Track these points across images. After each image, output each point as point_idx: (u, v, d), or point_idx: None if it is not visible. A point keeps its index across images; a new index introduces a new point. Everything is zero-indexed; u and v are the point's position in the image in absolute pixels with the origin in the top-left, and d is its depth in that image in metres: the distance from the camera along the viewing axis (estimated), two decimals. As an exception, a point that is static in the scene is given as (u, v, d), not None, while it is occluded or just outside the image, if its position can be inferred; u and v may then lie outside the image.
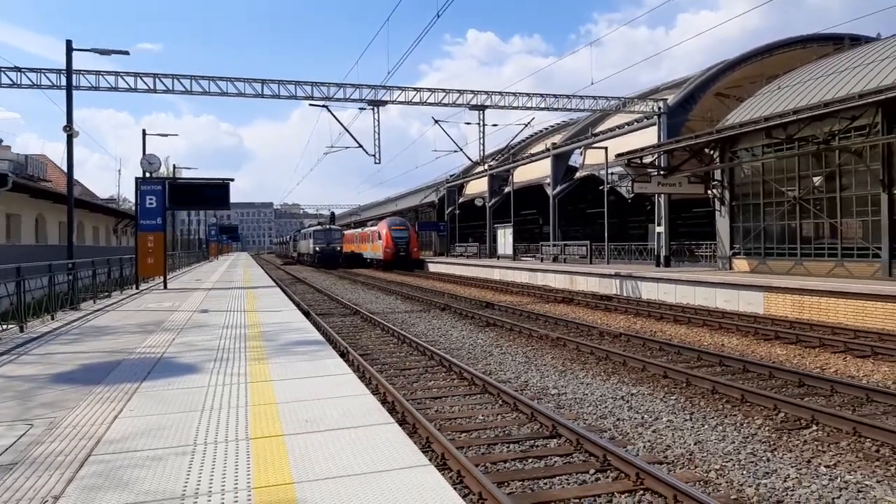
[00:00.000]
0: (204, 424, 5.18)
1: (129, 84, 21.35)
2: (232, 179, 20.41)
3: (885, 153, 17.95)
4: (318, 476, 3.96)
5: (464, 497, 5.52)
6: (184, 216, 76.84)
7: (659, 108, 28.36)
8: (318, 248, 55.59)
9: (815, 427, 7.29)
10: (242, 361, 7.81)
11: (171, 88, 21.89)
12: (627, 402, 8.69)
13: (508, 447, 6.89)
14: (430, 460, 6.34)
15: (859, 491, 5.56)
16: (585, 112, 30.93)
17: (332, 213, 76.79)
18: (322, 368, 7.34)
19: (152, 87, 21.71)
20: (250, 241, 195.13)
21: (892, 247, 17.95)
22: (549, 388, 9.58)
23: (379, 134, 24.85)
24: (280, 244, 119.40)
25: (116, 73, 21.45)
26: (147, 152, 30.94)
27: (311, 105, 22.84)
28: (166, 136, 33.71)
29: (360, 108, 24.65)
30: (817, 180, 20.49)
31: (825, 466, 6.14)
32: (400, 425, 7.58)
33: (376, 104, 23.98)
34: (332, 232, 57.68)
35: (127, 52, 18.53)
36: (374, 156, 24.65)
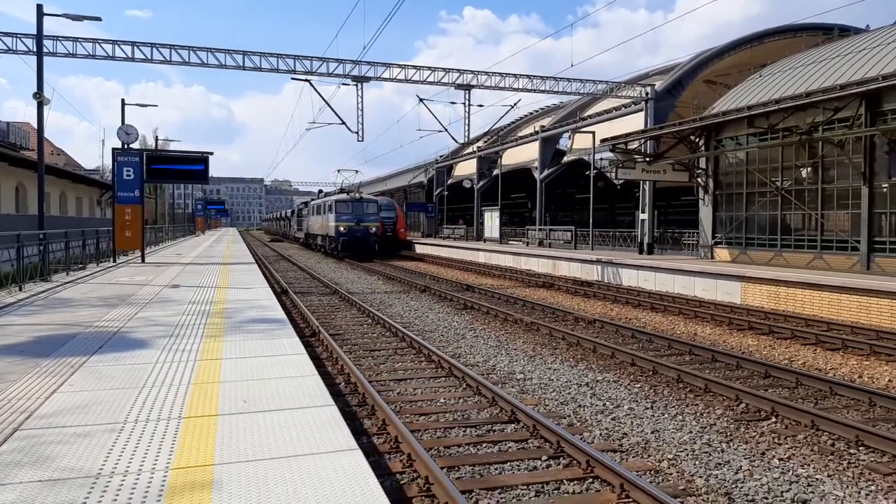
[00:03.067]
0: (140, 402, 5.04)
1: (106, 52, 20.88)
2: (211, 153, 20.14)
3: (868, 146, 17.88)
4: (240, 458, 3.84)
5: (411, 481, 5.46)
6: (172, 189, 76.24)
7: (647, 94, 28.16)
8: (342, 229, 34.98)
9: (774, 419, 7.24)
10: (197, 338, 7.66)
11: (149, 57, 21.45)
12: (592, 388, 8.62)
13: (465, 431, 6.80)
14: (382, 443, 6.32)
15: (809, 485, 5.50)
16: (574, 95, 30.63)
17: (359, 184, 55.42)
18: (276, 348, 7.20)
19: (130, 56, 21.26)
20: (240, 217, 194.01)
21: (871, 240, 17.95)
22: (515, 373, 9.50)
23: (362, 110, 24.52)
24: (272, 220, 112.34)
25: (94, 40, 20.97)
26: (134, 123, 30.48)
27: (293, 79, 22.52)
28: (145, 106, 33.08)
29: (341, 84, 24.27)
30: (804, 171, 20.43)
31: (779, 459, 6.09)
32: (358, 407, 7.57)
33: (359, 80, 23.62)
34: (366, 205, 36.69)
35: (99, 18, 18.13)
36: (356, 133, 24.35)
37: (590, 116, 35.15)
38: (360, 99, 24.19)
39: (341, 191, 40.91)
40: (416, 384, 8.71)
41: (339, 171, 43.91)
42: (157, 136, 65.29)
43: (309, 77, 22.73)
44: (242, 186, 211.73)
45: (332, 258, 36.77)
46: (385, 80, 24.45)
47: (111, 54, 20.96)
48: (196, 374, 5.91)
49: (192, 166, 20.24)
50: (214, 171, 24.04)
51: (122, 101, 28.19)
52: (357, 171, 44.36)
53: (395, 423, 6.54)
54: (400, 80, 24.50)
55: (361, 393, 7.98)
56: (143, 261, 21.35)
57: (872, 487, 5.46)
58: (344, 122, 24.32)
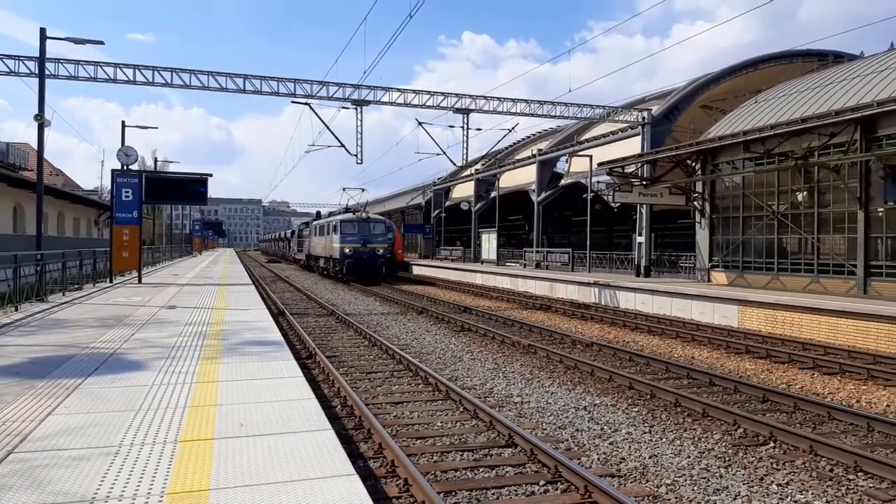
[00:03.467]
0: (136, 425, 5.02)
1: (108, 74, 21.04)
2: (210, 175, 20.23)
3: (863, 170, 18.02)
4: (236, 483, 3.82)
5: (408, 507, 5.41)
6: (170, 210, 76.36)
7: (643, 119, 28.40)
8: (347, 251, 32.44)
9: (772, 444, 7.21)
10: (194, 360, 7.63)
11: (151, 80, 21.62)
12: (589, 412, 8.59)
13: (462, 455, 6.76)
14: (379, 467, 6.27)
15: (808, 511, 5.47)
16: (571, 120, 30.88)
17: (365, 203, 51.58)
18: (273, 370, 7.18)
19: (132, 79, 21.42)
20: (237, 238, 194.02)
21: (868, 264, 18.01)
22: (513, 396, 9.46)
23: (361, 133, 24.68)
24: (270, 241, 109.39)
25: (96, 63, 21.14)
26: (134, 145, 30.66)
27: (293, 102, 22.68)
28: (146, 128, 33.18)
29: (341, 108, 24.46)
30: (800, 196, 20.55)
31: (777, 485, 6.06)
32: (355, 430, 7.53)
33: (359, 104, 23.80)
34: (373, 225, 34.06)
35: (102, 42, 18.28)
36: (356, 155, 24.48)
37: (587, 140, 35.39)
38: (359, 122, 24.36)
39: (346, 210, 36.74)
40: (413, 407, 8.66)
41: (343, 189, 38.64)
42: (156, 158, 65.59)
43: (309, 100, 22.91)
44: (240, 207, 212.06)
45: (332, 280, 35.37)
46: (384, 103, 24.65)
47: (113, 77, 21.12)
48: (192, 397, 5.89)
49: (191, 187, 20.32)
50: (213, 192, 24.20)
51: (123, 123, 28.34)
52: (363, 190, 39.33)
53: (392, 446, 6.49)
54: (399, 104, 24.69)
55: (358, 416, 7.93)
56: (139, 281, 21.31)
57: (872, 514, 5.43)
58: (343, 145, 24.47)
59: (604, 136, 33.03)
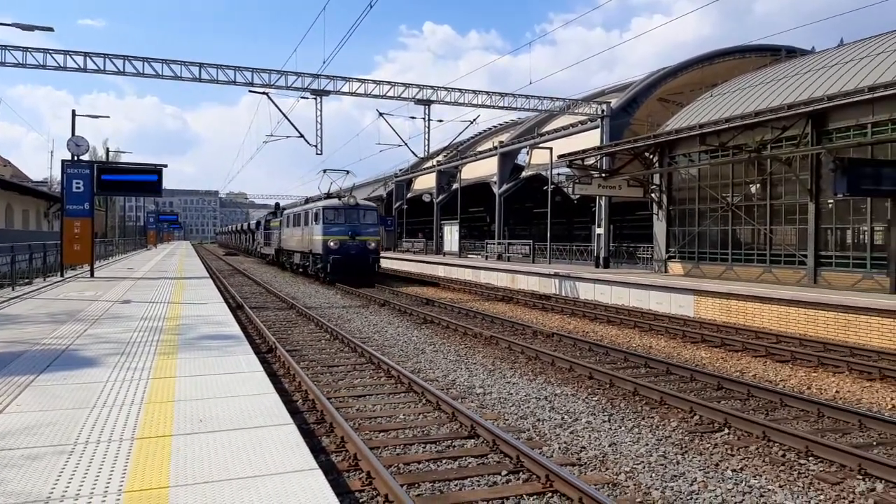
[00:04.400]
0: (91, 422, 4.89)
1: (57, 62, 20.36)
2: (165, 165, 19.79)
3: (814, 163, 18.56)
4: (196, 480, 3.75)
5: (371, 499, 5.40)
6: (123, 202, 74.47)
7: (602, 111, 28.73)
8: (332, 245, 26.58)
9: (727, 430, 7.40)
10: (150, 356, 7.47)
11: (102, 68, 20.99)
12: (550, 402, 8.68)
13: (425, 447, 6.77)
14: (341, 461, 6.24)
15: (762, 495, 5.63)
16: (532, 111, 31.07)
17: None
18: (232, 365, 7.08)
19: (83, 66, 20.77)
20: (193, 230, 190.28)
21: (818, 255, 18.59)
22: (475, 388, 9.51)
23: (321, 124, 24.41)
24: (227, 234, 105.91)
25: (45, 50, 20.44)
26: (85, 134, 29.77)
27: (250, 92, 22.30)
28: (97, 117, 32.16)
29: (300, 98, 24.14)
30: (753, 188, 21.08)
31: (732, 470, 6.22)
32: (317, 424, 7.47)
33: (318, 94, 23.54)
34: (363, 213, 27.99)
35: (51, 29, 17.64)
36: (315, 146, 24.21)
37: (547, 133, 35.66)
38: (318, 112, 24.08)
39: (328, 196, 30.73)
40: (376, 400, 8.64)
41: (325, 171, 30.82)
42: (107, 148, 63.88)
43: (267, 90, 22.55)
44: (196, 199, 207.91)
45: (304, 277, 31.01)
46: (344, 94, 24.44)
47: (63, 65, 20.46)
48: (149, 394, 5.77)
49: (145, 178, 19.84)
50: (168, 183, 23.58)
51: (73, 112, 27.43)
52: (348, 172, 31.07)
53: (354, 440, 6.47)
54: (359, 95, 24.49)
55: (320, 410, 7.87)
56: (92, 275, 20.74)
57: (822, 497, 5.62)
58: (302, 136, 24.15)
59: (564, 128, 33.33)
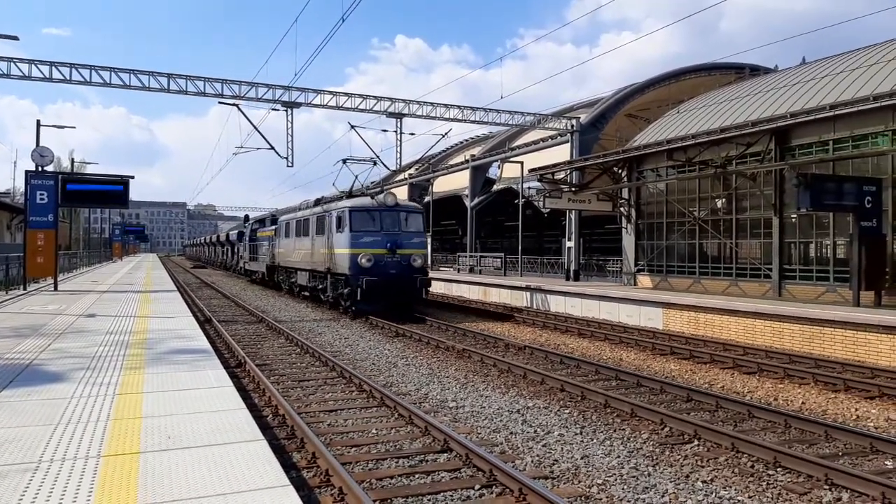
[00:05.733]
0: (56, 439, 4.76)
1: (22, 71, 19.97)
2: (131, 177, 19.50)
3: (778, 179, 19.00)
4: (164, 498, 3.67)
5: (343, 515, 5.33)
6: (88, 214, 73.01)
7: (572, 126, 29.09)
8: (364, 262, 18.94)
9: (696, 442, 7.48)
10: (116, 371, 7.31)
11: (68, 78, 20.64)
12: (523, 415, 8.69)
13: (398, 462, 6.72)
14: (313, 477, 6.16)
15: (731, 505, 5.70)
16: (503, 126, 31.33)
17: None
18: (201, 380, 6.96)
19: (48, 76, 20.40)
20: (160, 242, 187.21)
21: (782, 268, 18.99)
22: (448, 401, 9.48)
23: (292, 136, 24.29)
24: (196, 246, 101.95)
25: (9, 59, 20.03)
26: (50, 145, 29.20)
27: (220, 103, 22.12)
28: (62, 127, 31.61)
29: (270, 109, 24.03)
30: (719, 202, 21.49)
31: (702, 481, 6.29)
32: (288, 440, 7.37)
33: (290, 106, 23.45)
34: (405, 216, 20.29)
35: (16, 38, 17.36)
36: (286, 158, 24.07)
37: (518, 147, 35.96)
38: (289, 124, 23.97)
39: (350, 195, 22.83)
40: (348, 415, 8.56)
41: (344, 161, 22.92)
42: (73, 159, 62.72)
43: (237, 101, 22.39)
44: (164, 211, 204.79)
45: (291, 296, 26.87)
46: (316, 106, 24.40)
47: (27, 74, 20.08)
48: (115, 410, 5.63)
49: (111, 189, 19.51)
50: (134, 194, 23.16)
51: (38, 122, 26.93)
52: (375, 163, 23.71)
53: (326, 455, 6.39)
54: (331, 107, 24.45)
55: (290, 425, 7.77)
56: (56, 288, 20.27)
57: (789, 506, 5.71)
58: (273, 148, 24.01)
59: (535, 142, 33.64)
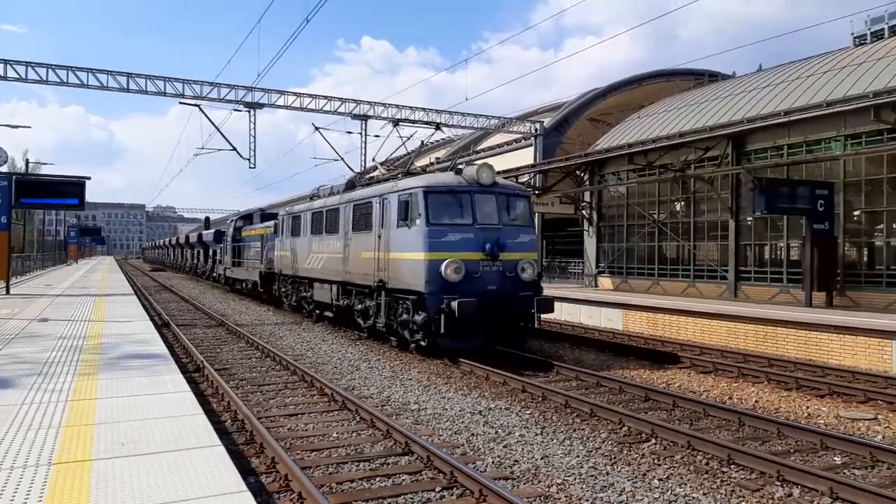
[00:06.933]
0: (5, 447, 4.64)
1: (-28, 68, 19.39)
2: (88, 178, 19.06)
3: (734, 182, 19.47)
4: (117, 507, 3.61)
5: (302, 520, 5.30)
6: (42, 215, 71.04)
7: (536, 130, 29.37)
8: (448, 273, 11.99)
9: (654, 441, 7.62)
10: (69, 377, 7.14)
11: (24, 77, 20.08)
12: (484, 416, 8.73)
13: (358, 466, 6.69)
14: (272, 482, 6.11)
15: (687, 503, 5.82)
16: (469, 129, 31.48)
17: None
18: (157, 385, 6.84)
19: (3, 74, 19.82)
20: (118, 245, 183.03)
21: (738, 270, 19.45)
22: (410, 404, 9.47)
23: (255, 137, 24.03)
24: (155, 248, 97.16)
25: (-43, 55, 19.41)
26: (3, 145, 28.39)
27: (181, 103, 21.75)
28: (17, 127, 30.79)
29: (233, 110, 23.74)
30: (678, 206, 21.92)
31: (658, 479, 6.40)
32: (246, 445, 7.29)
33: (253, 107, 23.20)
34: (510, 202, 13.26)
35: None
36: (248, 160, 23.80)
37: (483, 150, 36.16)
38: (252, 125, 23.70)
39: (407, 173, 15.90)
40: (308, 419, 8.49)
41: (396, 123, 19.70)
42: (27, 159, 60.99)
43: (199, 102, 22.05)
44: (122, 213, 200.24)
45: (243, 296, 26.60)
46: (279, 107, 24.22)
47: (-24, 71, 19.47)
48: (68, 416, 5.50)
49: (67, 191, 19.05)
50: (91, 196, 22.55)
51: (-12, 120, 26.16)
52: (438, 126, 19.89)
53: (285, 460, 6.34)
54: (295, 109, 24.28)
55: (249, 430, 7.68)
56: (7, 292, 19.68)
57: (743, 503, 5.85)
58: (235, 149, 23.68)
59: (499, 146, 33.88)
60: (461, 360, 12.31)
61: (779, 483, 6.26)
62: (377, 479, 6.30)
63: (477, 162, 16.13)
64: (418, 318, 12.52)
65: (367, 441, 7.48)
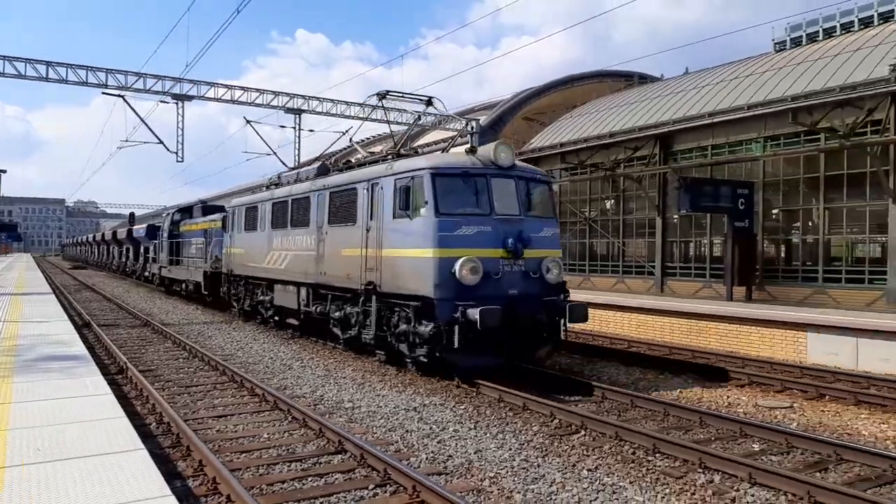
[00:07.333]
0: None
1: None
2: (3, 171, 18.07)
3: (661, 181, 20.11)
4: (29, 516, 3.43)
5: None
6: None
7: (472, 128, 29.56)
8: (463, 274, 9.86)
9: (583, 432, 7.80)
10: (-21, 381, 6.75)
11: (-73, 62, 18.84)
12: (419, 413, 8.74)
13: (290, 466, 6.59)
14: (199, 486, 5.94)
15: (614, 492, 5.98)
16: (405, 125, 31.37)
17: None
18: (77, 388, 6.54)
19: None
20: (35, 242, 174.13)
21: (664, 266, 20.12)
22: (343, 402, 9.38)
23: (183, 130, 23.28)
24: (76, 245, 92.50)
25: None
26: None
27: (104, 94, 20.84)
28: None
29: (160, 101, 22.93)
30: (608, 203, 22.49)
31: (587, 470, 6.56)
32: (172, 448, 7.06)
33: (181, 98, 22.46)
34: (530, 188, 11.19)
35: None
36: (176, 153, 23.04)
37: (420, 146, 36.14)
38: (180, 117, 22.95)
39: (398, 154, 13.11)
40: (238, 420, 8.30)
41: (382, 95, 14.38)
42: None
43: (123, 92, 21.19)
44: (40, 208, 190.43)
45: (143, 287, 28.51)
46: (209, 99, 23.53)
47: None
48: (-25, 423, 5.20)
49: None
50: (7, 189, 21.45)
51: None
52: (430, 101, 14.84)
53: (213, 462, 6.18)
54: (225, 101, 23.65)
55: (176, 433, 7.45)
56: (-90, 292, 18.44)
57: (667, 490, 6.05)
58: (161, 142, 22.90)
59: (435, 142, 33.91)
60: (480, 382, 9.94)
61: (701, 470, 6.50)
62: (309, 478, 6.22)
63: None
64: (423, 329, 10.18)
65: (299, 441, 7.38)
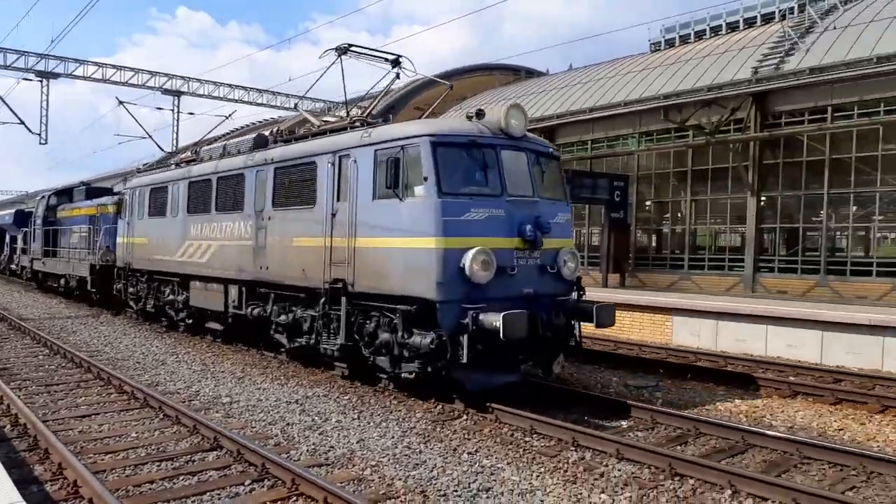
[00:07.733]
0: None
1: None
2: None
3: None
4: None
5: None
6: None
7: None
8: (475, 271, 7.82)
9: (464, 417, 7.94)
10: None
11: None
12: (301, 405, 8.57)
13: (160, 465, 6.27)
14: (58, 490, 5.53)
15: (492, 474, 6.12)
16: (293, 111, 30.59)
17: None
18: None
19: None
20: None
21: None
22: (221, 397, 9.04)
23: (47, 110, 21.50)
24: None
25: None
26: None
27: (-50, 68, 18.89)
28: None
29: (22, 79, 21.07)
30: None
31: (468, 453, 6.68)
32: (28, 452, 6.54)
33: (46, 76, 20.76)
34: (538, 165, 9.09)
35: None
36: (39, 135, 21.29)
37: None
38: (44, 96, 21.20)
39: (366, 122, 10.54)
40: (103, 419, 7.80)
41: (342, 51, 11.31)
42: None
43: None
44: None
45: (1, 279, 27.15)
46: (78, 77, 21.92)
47: None
48: None
49: None
50: None
51: None
52: (399, 61, 11.85)
53: (74, 464, 5.79)
54: (96, 80, 22.12)
55: (33, 435, 6.92)
56: None
57: (542, 469, 6.27)
58: (23, 122, 21.08)
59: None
60: (492, 406, 7.97)
61: (573, 448, 6.79)
62: (181, 477, 5.97)
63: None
64: (420, 339, 8.05)
65: (171, 439, 7.05)
